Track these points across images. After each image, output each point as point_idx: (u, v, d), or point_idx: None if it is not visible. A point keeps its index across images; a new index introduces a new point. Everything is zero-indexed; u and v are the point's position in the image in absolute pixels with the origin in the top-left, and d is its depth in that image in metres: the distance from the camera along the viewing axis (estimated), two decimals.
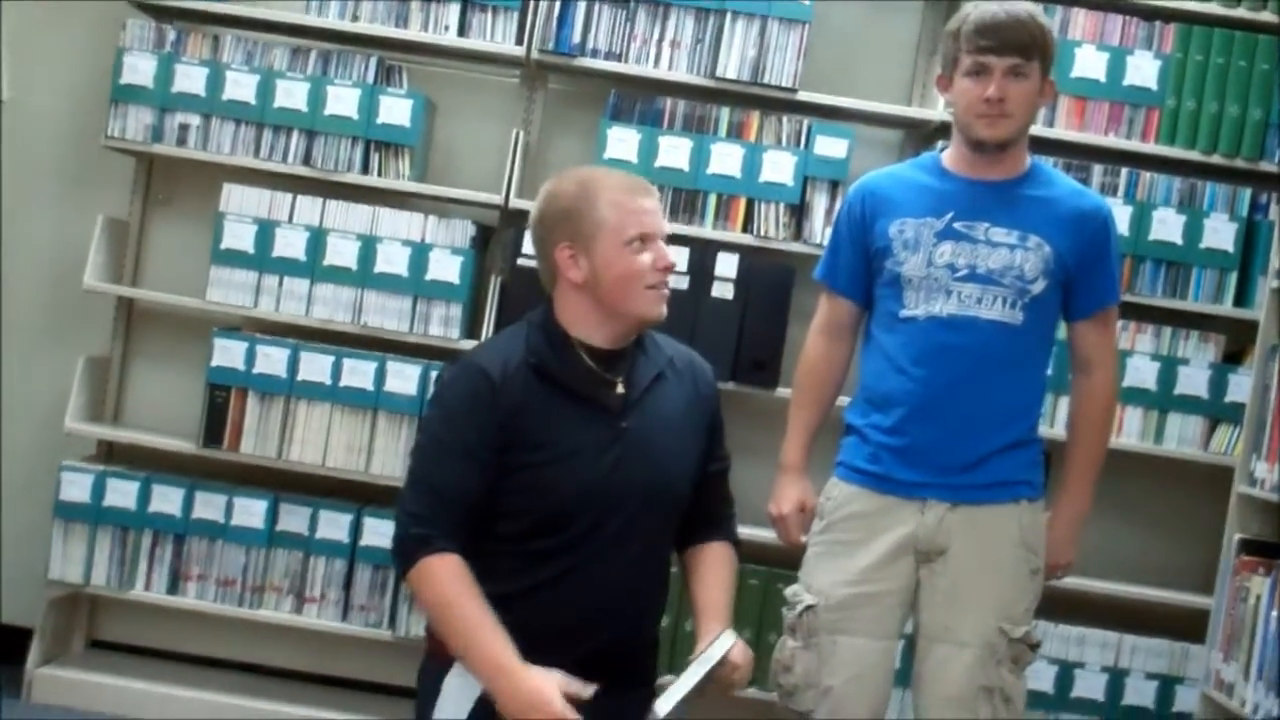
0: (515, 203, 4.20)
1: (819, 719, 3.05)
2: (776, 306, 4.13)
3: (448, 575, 2.70)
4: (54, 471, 4.23)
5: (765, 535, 3.13)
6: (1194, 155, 4.15)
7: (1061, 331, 3.21)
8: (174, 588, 4.25)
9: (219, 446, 4.21)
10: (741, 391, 4.11)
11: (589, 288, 2.82)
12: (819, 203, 4.18)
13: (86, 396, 4.32)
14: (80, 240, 4.33)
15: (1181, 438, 4.18)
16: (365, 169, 4.22)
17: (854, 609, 3.05)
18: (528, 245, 4.14)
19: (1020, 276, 3.02)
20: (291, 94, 4.20)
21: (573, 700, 2.63)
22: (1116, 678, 4.16)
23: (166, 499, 4.23)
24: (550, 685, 2.63)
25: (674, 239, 4.09)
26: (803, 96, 4.18)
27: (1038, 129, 4.09)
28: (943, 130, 4.10)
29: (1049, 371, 3.24)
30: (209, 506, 4.23)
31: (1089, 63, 4.14)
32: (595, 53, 4.20)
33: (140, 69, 4.22)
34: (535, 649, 2.67)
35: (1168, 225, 4.15)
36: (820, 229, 4.15)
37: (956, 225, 3.03)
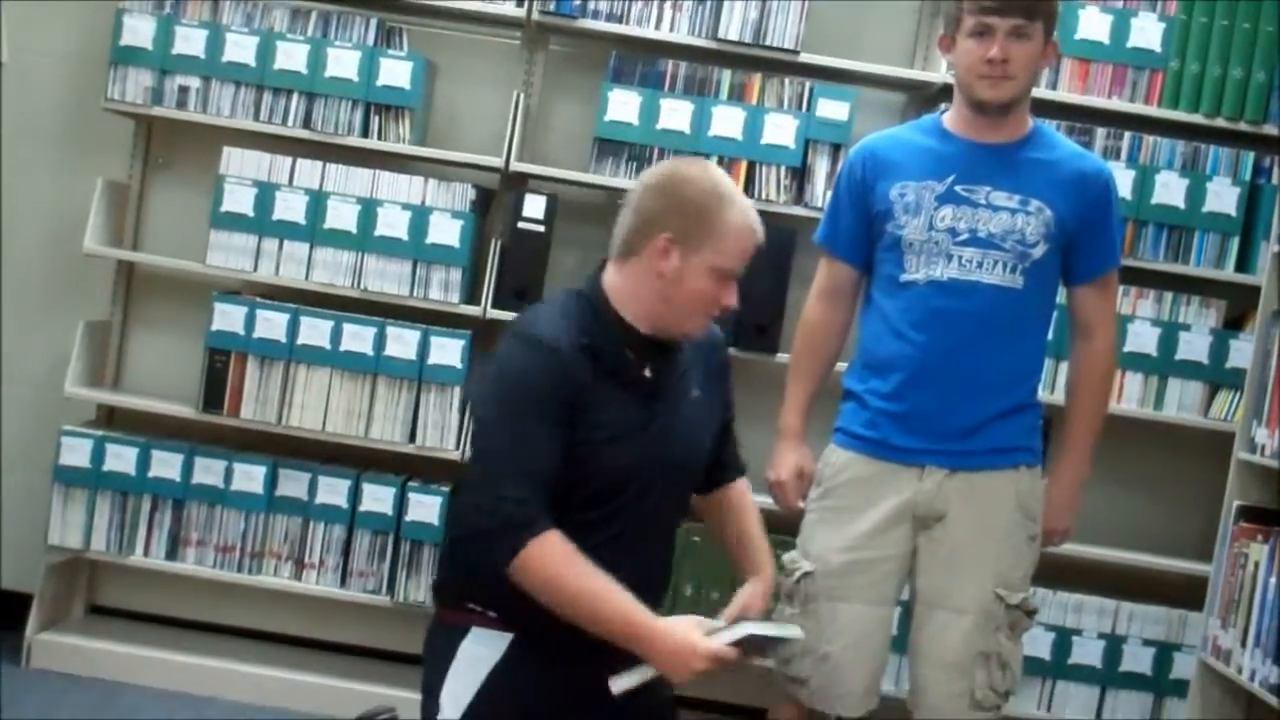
0: (515, 166, 4.18)
1: (816, 686, 3.06)
2: (777, 270, 4.11)
3: (561, 553, 2.60)
4: (54, 436, 4.22)
5: (763, 500, 3.12)
6: (1197, 118, 4.13)
7: (1061, 296, 3.21)
8: (173, 553, 4.25)
9: (219, 411, 4.20)
10: (742, 357, 4.10)
11: (663, 282, 2.74)
12: (820, 166, 4.16)
13: (86, 361, 4.31)
14: (80, 204, 4.31)
15: (1182, 404, 4.17)
16: (365, 132, 4.20)
17: (851, 575, 3.05)
18: (528, 208, 4.16)
19: (1021, 240, 3.01)
20: (291, 56, 4.18)
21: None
22: (1114, 644, 4.16)
23: (166, 464, 4.22)
24: (695, 632, 2.60)
25: None
26: (804, 59, 4.16)
27: (1040, 91, 4.08)
28: (945, 93, 4.09)
29: (1049, 337, 3.23)
30: (208, 472, 4.22)
31: (1092, 25, 4.12)
32: (596, 14, 4.18)
33: (140, 31, 4.19)
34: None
35: (1170, 189, 4.13)
36: (822, 192, 4.13)
37: (958, 189, 3.02)
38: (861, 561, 3.04)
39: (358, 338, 4.18)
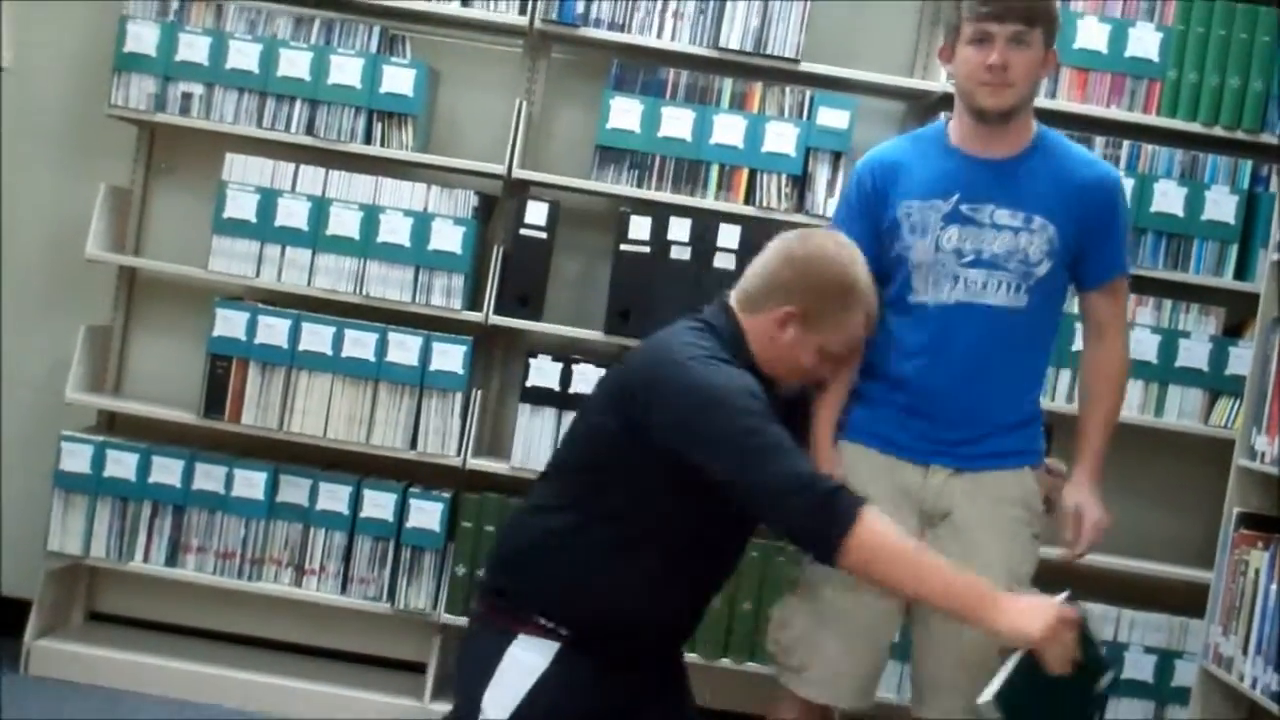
0: (518, 173, 4.20)
1: (813, 675, 3.04)
2: None
3: (891, 526, 2.68)
4: (54, 442, 4.22)
5: None
6: (1195, 127, 4.16)
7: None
8: (173, 559, 4.24)
9: (220, 417, 4.20)
10: None
11: (773, 345, 2.88)
12: (821, 174, 4.18)
13: (87, 366, 4.32)
14: (82, 209, 4.32)
15: (1182, 410, 4.19)
16: (368, 138, 4.22)
17: None
18: (530, 215, 4.17)
19: (1024, 260, 3.00)
20: (294, 63, 4.20)
21: None
22: (1116, 652, 4.15)
23: (166, 470, 4.22)
24: (1042, 598, 2.73)
25: (676, 210, 4.15)
26: (805, 67, 4.19)
27: (1040, 101, 4.06)
28: (944, 102, 4.11)
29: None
30: (209, 478, 4.22)
31: (1091, 34, 4.14)
32: (598, 23, 4.20)
33: (143, 37, 4.21)
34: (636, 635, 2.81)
35: (1169, 197, 4.15)
36: (823, 200, 4.15)
37: (963, 208, 3.00)
38: None
39: (359, 344, 4.18)
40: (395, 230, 4.18)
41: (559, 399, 4.16)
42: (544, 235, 4.16)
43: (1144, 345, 4.15)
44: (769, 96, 4.20)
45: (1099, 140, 4.16)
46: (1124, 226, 3.13)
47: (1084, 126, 4.17)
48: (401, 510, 4.21)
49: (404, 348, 4.18)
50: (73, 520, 4.22)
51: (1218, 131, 4.16)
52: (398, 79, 4.20)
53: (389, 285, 4.19)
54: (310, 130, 4.22)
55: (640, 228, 4.12)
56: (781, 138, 4.16)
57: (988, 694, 2.63)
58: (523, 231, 4.16)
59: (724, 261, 4.12)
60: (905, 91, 4.32)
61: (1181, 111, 4.16)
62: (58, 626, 4.39)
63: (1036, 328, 3.08)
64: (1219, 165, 4.16)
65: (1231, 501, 3.72)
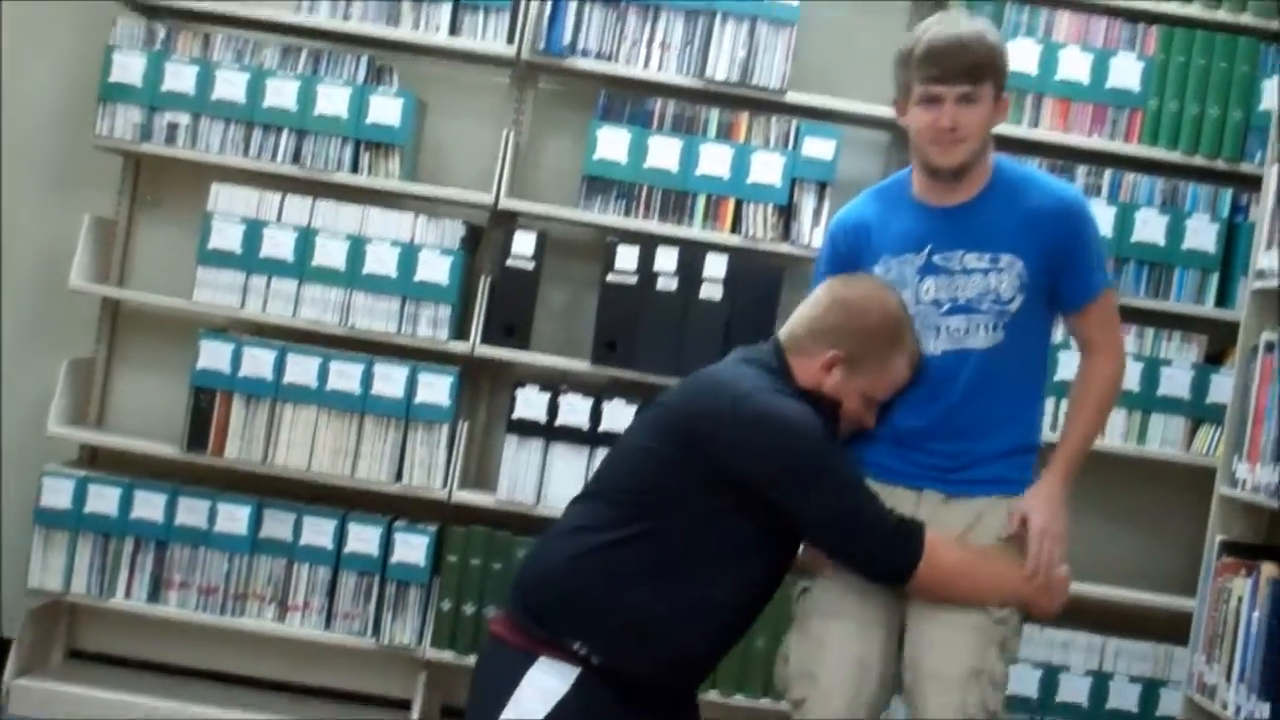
0: (505, 203, 4.21)
1: (811, 709, 3.03)
2: (765, 307, 4.13)
3: (947, 540, 2.92)
4: (36, 477, 4.18)
5: None
6: (1176, 156, 4.21)
7: None
8: (155, 596, 4.20)
9: (203, 451, 4.18)
10: None
11: (822, 387, 2.96)
12: (807, 204, 4.20)
13: (70, 399, 4.28)
14: (67, 240, 4.29)
15: (1164, 438, 4.21)
16: (355, 168, 4.23)
17: (846, 592, 3.04)
18: (517, 245, 4.18)
19: (997, 299, 3.03)
20: (281, 93, 4.20)
21: None
22: (1100, 681, 4.17)
23: (149, 505, 4.19)
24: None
25: (662, 240, 4.16)
26: (791, 98, 4.22)
27: (1022, 131, 4.17)
28: None
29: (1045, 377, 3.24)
30: (192, 512, 4.19)
31: (1073, 64, 4.20)
32: (586, 53, 4.22)
33: (129, 67, 4.21)
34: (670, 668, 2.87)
35: (1150, 226, 4.19)
36: (809, 230, 4.18)
37: (935, 259, 3.03)
38: (860, 580, 3.04)
39: (345, 375, 4.17)
40: (381, 261, 4.17)
41: (546, 430, 4.15)
42: (531, 265, 4.16)
43: (1126, 373, 4.15)
44: (755, 127, 4.23)
45: (1081, 169, 4.21)
46: (1091, 246, 3.10)
47: (1066, 156, 4.22)
48: (387, 544, 4.18)
49: (390, 379, 4.17)
50: (53, 557, 4.18)
51: (1198, 161, 4.21)
52: (385, 109, 4.20)
53: (375, 316, 4.19)
54: (297, 160, 4.22)
55: (627, 258, 4.13)
56: (767, 168, 4.19)
57: None
58: (510, 262, 4.16)
59: (711, 291, 4.13)
60: (890, 122, 4.30)
61: (1162, 141, 4.21)
62: (37, 665, 4.32)
63: (1018, 360, 3.09)
64: (1199, 194, 4.21)
65: (1214, 529, 3.72)
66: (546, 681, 2.77)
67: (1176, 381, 4.20)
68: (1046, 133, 4.20)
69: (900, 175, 3.19)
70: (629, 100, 4.23)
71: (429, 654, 4.18)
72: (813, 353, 2.94)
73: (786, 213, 4.20)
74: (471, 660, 4.07)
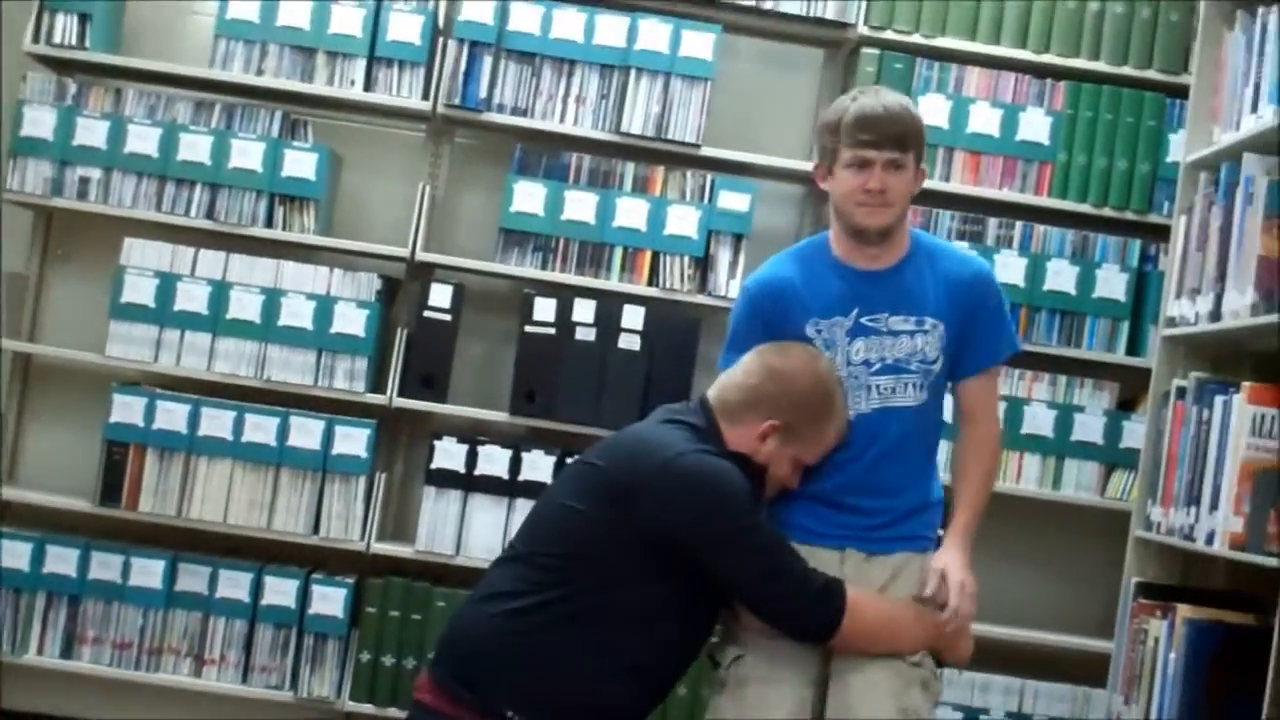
0: (422, 255, 4.21)
1: None
2: (683, 357, 4.16)
3: (863, 593, 2.97)
4: None
5: None
6: (1085, 208, 4.28)
7: None
8: (69, 651, 4.15)
9: (117, 505, 4.14)
10: None
11: (756, 455, 2.99)
12: (723, 256, 4.24)
13: None
14: None
15: (1079, 483, 4.26)
16: (270, 222, 4.21)
17: (781, 655, 3.05)
18: (434, 297, 4.18)
19: (924, 360, 3.09)
20: (195, 147, 4.19)
21: None
22: None
23: (61, 559, 4.13)
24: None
25: (580, 291, 4.18)
26: (706, 152, 4.26)
27: (935, 183, 4.22)
28: None
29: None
30: (105, 567, 4.14)
31: (983, 119, 4.26)
32: (501, 108, 4.24)
33: (41, 122, 4.18)
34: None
35: (1061, 276, 4.26)
36: (725, 281, 4.21)
37: (863, 320, 3.09)
38: (789, 641, 3.06)
39: (260, 428, 4.15)
40: (297, 313, 4.16)
41: (465, 481, 4.14)
42: (448, 317, 4.17)
43: (1040, 420, 4.24)
44: (671, 180, 4.26)
45: (992, 221, 4.27)
46: (1002, 314, 3.20)
47: (978, 208, 4.29)
48: (304, 597, 4.15)
49: (306, 431, 4.15)
50: None
51: (1107, 212, 4.28)
52: (299, 163, 4.20)
53: (290, 369, 4.17)
54: (210, 214, 4.20)
55: (545, 309, 4.15)
56: (683, 220, 4.22)
57: None
58: (427, 314, 4.16)
59: (629, 342, 4.15)
60: (804, 175, 4.37)
61: (1072, 193, 4.28)
62: None
63: (932, 419, 3.17)
64: (1109, 244, 4.28)
65: (1130, 571, 3.78)
66: None
67: (1089, 427, 4.25)
68: (959, 186, 4.26)
69: (816, 240, 3.24)
70: (545, 154, 4.25)
71: (348, 706, 4.15)
72: (748, 421, 2.98)
73: (703, 264, 4.23)
74: (392, 712, 4.09)
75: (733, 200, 4.24)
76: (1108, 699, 3.78)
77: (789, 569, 2.90)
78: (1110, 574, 3.98)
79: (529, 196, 4.20)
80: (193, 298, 4.16)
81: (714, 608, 3.00)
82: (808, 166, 4.31)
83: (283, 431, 4.14)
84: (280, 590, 4.15)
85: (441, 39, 4.25)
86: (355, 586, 4.18)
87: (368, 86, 4.24)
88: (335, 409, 4.19)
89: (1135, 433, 4.14)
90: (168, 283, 4.15)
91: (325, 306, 4.16)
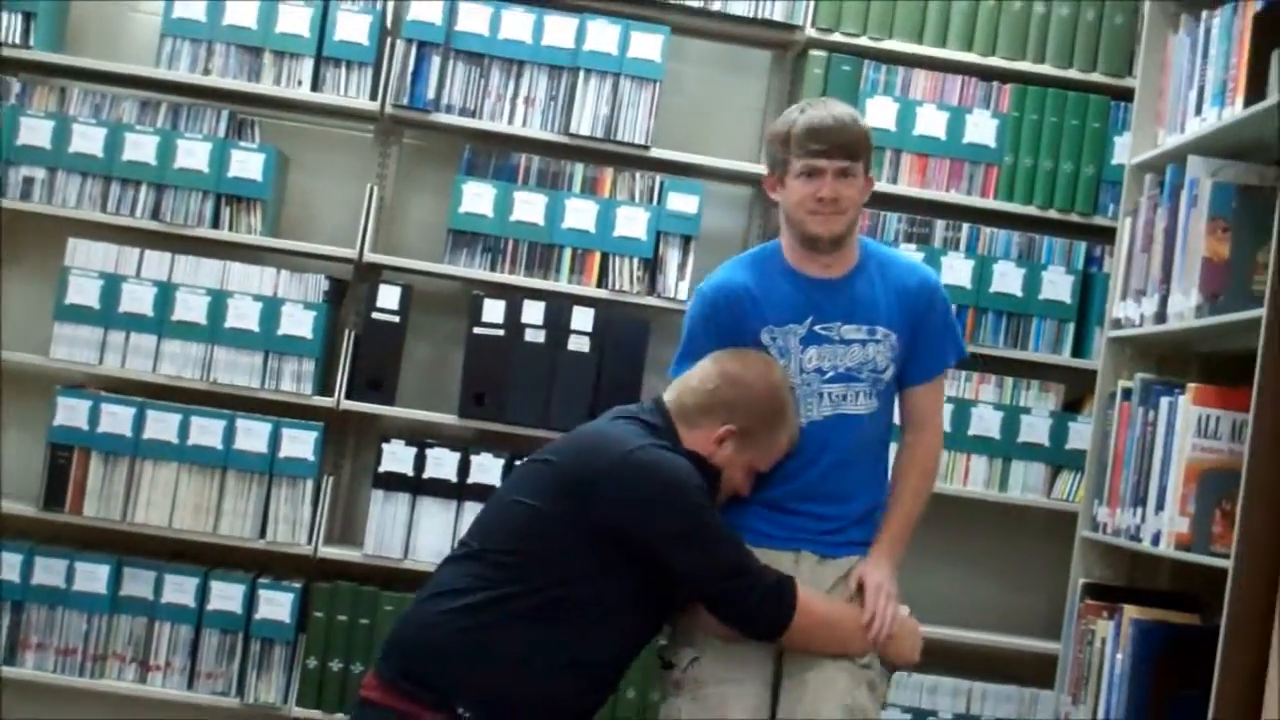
0: (369, 256, 4.19)
1: None
2: (632, 359, 4.16)
3: (812, 592, 3.01)
4: None
5: None
6: (1031, 210, 4.31)
7: None
8: (11, 658, 4.10)
9: (61, 509, 4.10)
10: None
11: (712, 458, 3.02)
12: (672, 257, 4.24)
13: None
14: None
15: (1025, 485, 4.28)
16: (216, 223, 4.18)
17: (738, 657, 3.06)
18: (382, 299, 4.16)
19: (875, 369, 3.14)
20: (140, 147, 4.15)
21: None
22: None
23: (4, 565, 4.08)
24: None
25: (529, 293, 4.16)
26: (655, 153, 4.26)
27: (882, 186, 4.22)
28: None
29: None
30: (49, 572, 4.10)
31: (930, 122, 4.28)
32: (450, 108, 4.23)
33: None
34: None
35: (1008, 278, 4.28)
36: (674, 283, 4.22)
37: (817, 329, 3.12)
38: (745, 642, 3.06)
39: (206, 431, 4.11)
40: (244, 315, 4.13)
41: (413, 484, 4.12)
42: (396, 319, 4.15)
43: (986, 421, 4.26)
44: (620, 182, 4.26)
45: (939, 223, 4.29)
46: (949, 322, 3.26)
47: (925, 210, 4.31)
48: (250, 601, 4.11)
49: (252, 434, 4.12)
50: None
51: (1053, 214, 4.31)
52: (246, 163, 4.17)
53: (237, 371, 4.14)
54: (156, 215, 4.17)
55: (494, 311, 4.13)
56: (633, 222, 4.21)
57: None
58: (375, 315, 4.14)
59: (578, 344, 4.14)
60: (753, 177, 4.39)
61: (1018, 195, 4.30)
62: None
63: (882, 426, 3.22)
64: (1055, 247, 4.31)
65: (1076, 572, 3.81)
66: None
67: (1036, 429, 4.27)
68: (906, 188, 4.28)
69: (768, 248, 3.27)
70: (494, 155, 4.24)
71: (295, 713, 4.12)
72: (704, 425, 3.02)
73: (652, 266, 4.23)
74: (339, 718, 4.06)
75: (681, 202, 4.24)
76: (1055, 700, 3.81)
77: (744, 565, 2.93)
78: (1056, 575, 4.01)
79: (477, 197, 4.19)
80: (138, 299, 4.12)
81: (666, 603, 3.01)
82: (756, 169, 4.35)
83: (229, 434, 4.11)
84: (226, 595, 4.12)
85: (389, 39, 4.24)
86: (302, 591, 4.15)
87: (315, 86, 4.21)
88: (282, 411, 4.16)
89: (1081, 434, 4.17)
90: (112, 284, 4.11)
91: (272, 308, 4.13)
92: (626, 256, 4.22)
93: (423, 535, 4.13)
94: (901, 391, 3.24)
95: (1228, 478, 3.09)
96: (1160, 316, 3.51)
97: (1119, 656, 3.41)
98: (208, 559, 4.22)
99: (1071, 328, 4.29)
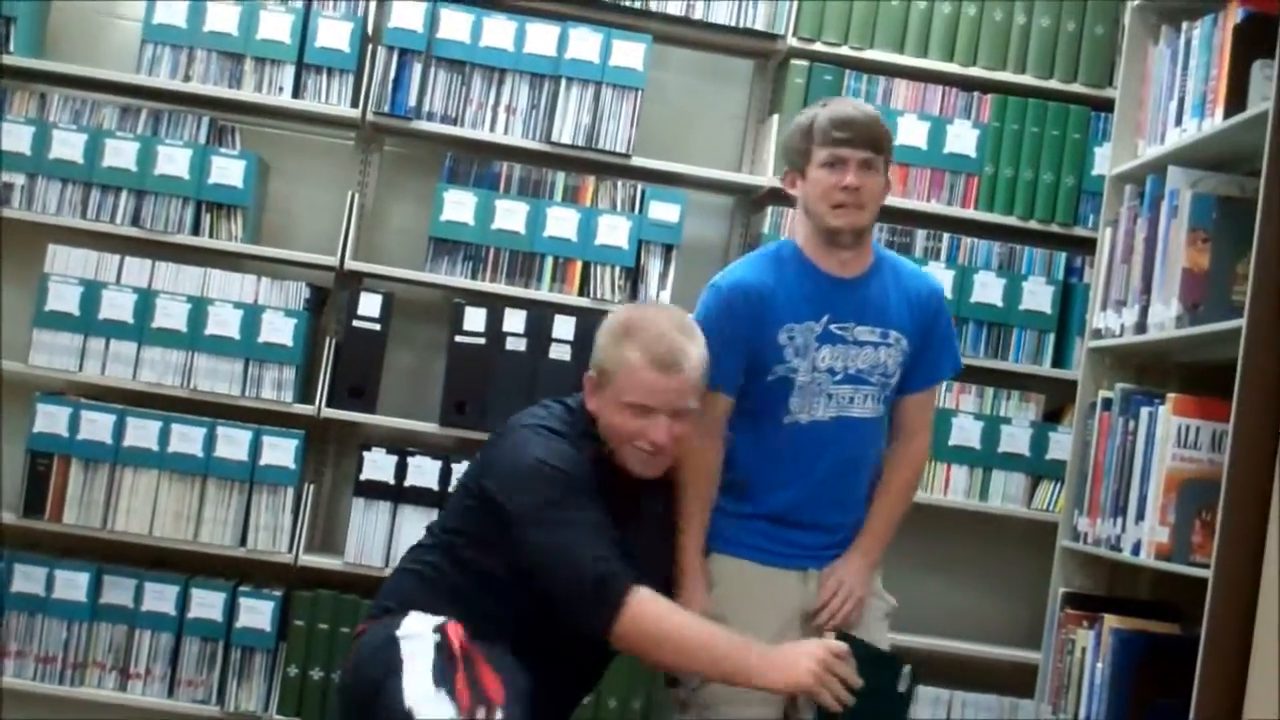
0: (350, 264, 4.19)
1: None
2: None
3: (662, 603, 2.77)
4: None
5: None
6: (1012, 220, 4.32)
7: None
8: None
9: (40, 516, 4.08)
10: None
11: (599, 419, 2.94)
12: (653, 266, 4.24)
13: None
14: None
15: (1006, 494, 4.30)
16: (196, 230, 4.17)
17: None
18: (363, 306, 4.16)
19: (885, 373, 3.13)
20: (120, 153, 4.14)
21: None
22: None
23: None
24: (804, 642, 2.80)
25: (510, 301, 4.16)
26: (636, 162, 4.26)
27: None
28: (772, 195, 4.21)
29: None
30: (29, 579, 4.08)
31: (911, 131, 4.29)
32: (431, 116, 4.22)
33: None
34: None
35: (988, 288, 4.29)
36: (656, 291, 4.22)
37: (833, 327, 3.10)
38: None
39: (186, 438, 4.11)
40: (224, 322, 4.12)
41: (394, 492, 4.12)
42: (378, 327, 4.14)
43: (967, 431, 4.27)
44: (601, 190, 4.26)
45: (920, 233, 4.30)
46: (951, 331, 3.28)
47: (906, 220, 4.31)
48: (231, 609, 4.11)
49: (233, 442, 4.11)
50: None
51: (1033, 225, 4.32)
52: (227, 170, 4.16)
53: (217, 378, 4.13)
54: (136, 221, 4.16)
55: (475, 319, 4.13)
56: (614, 230, 4.21)
57: None
58: (356, 323, 4.14)
59: (560, 353, 4.14)
60: (734, 186, 4.42)
61: (999, 206, 4.32)
62: None
63: (880, 434, 3.22)
64: (1035, 257, 4.32)
65: (1057, 582, 3.81)
66: (423, 618, 2.79)
67: (1016, 439, 4.29)
68: (887, 198, 4.25)
69: (784, 246, 3.22)
70: (475, 163, 4.24)
71: None
72: (583, 384, 2.98)
73: (634, 274, 4.23)
74: None
75: (663, 211, 4.24)
76: (1035, 709, 3.80)
77: (576, 555, 2.75)
78: (1037, 585, 4.01)
79: (459, 205, 4.18)
80: (118, 306, 4.11)
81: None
82: (738, 178, 4.38)
83: (209, 442, 4.10)
84: (207, 603, 4.11)
85: (371, 46, 4.23)
86: (283, 599, 4.14)
87: (296, 93, 4.21)
88: (263, 419, 4.15)
89: (1062, 444, 4.18)
90: (92, 291, 4.10)
91: (252, 315, 4.12)
92: (608, 265, 4.22)
93: (403, 543, 4.06)
94: (897, 399, 3.24)
95: (1207, 488, 3.09)
96: (1140, 327, 3.52)
97: (1099, 666, 3.41)
98: (188, 567, 4.20)
99: (1052, 338, 4.31)
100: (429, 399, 4.26)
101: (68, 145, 4.14)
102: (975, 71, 4.33)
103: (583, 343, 4.14)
